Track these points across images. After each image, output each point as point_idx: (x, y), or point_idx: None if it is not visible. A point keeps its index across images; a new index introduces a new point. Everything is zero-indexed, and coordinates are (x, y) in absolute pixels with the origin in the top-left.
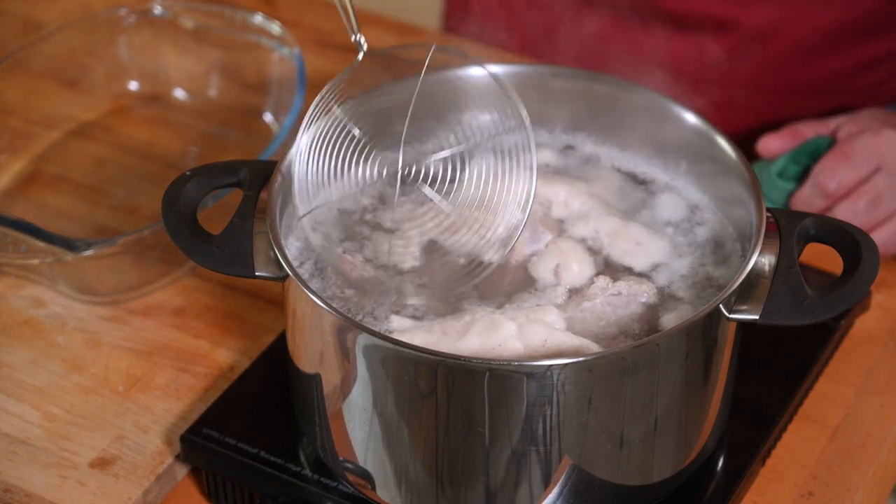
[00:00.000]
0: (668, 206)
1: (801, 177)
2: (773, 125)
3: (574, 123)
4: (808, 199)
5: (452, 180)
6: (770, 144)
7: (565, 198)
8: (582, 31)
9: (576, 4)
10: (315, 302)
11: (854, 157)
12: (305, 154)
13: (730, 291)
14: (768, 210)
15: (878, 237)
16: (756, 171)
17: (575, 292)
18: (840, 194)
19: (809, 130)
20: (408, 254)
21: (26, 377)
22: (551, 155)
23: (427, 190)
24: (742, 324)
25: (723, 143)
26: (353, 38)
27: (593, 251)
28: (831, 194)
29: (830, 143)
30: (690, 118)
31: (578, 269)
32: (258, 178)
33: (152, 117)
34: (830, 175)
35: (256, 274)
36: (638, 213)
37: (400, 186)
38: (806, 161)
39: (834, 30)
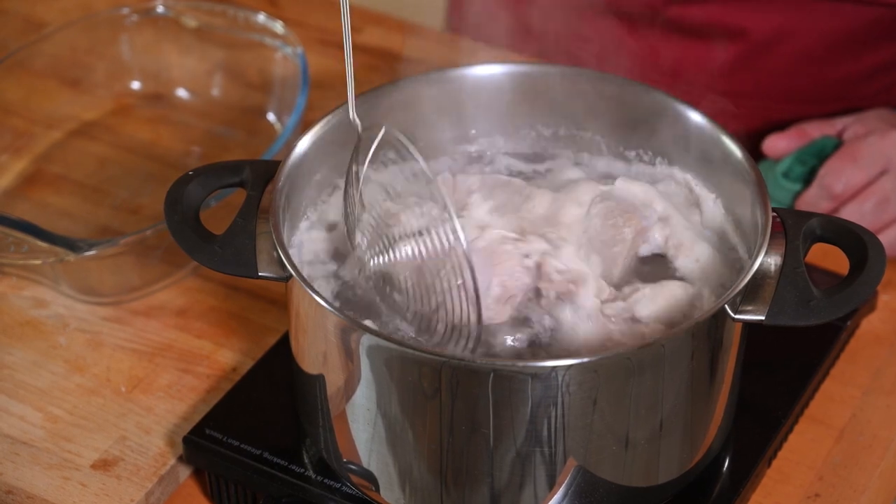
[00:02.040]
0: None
1: (807, 177)
2: (780, 129)
3: (579, 123)
4: (814, 200)
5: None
6: (776, 144)
7: (648, 197)
8: (586, 37)
9: (581, 10)
10: (318, 303)
11: (861, 159)
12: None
13: (735, 292)
14: (774, 210)
15: (885, 239)
16: (761, 171)
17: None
18: (846, 196)
19: (815, 130)
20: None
21: (28, 378)
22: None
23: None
24: (748, 324)
25: (728, 142)
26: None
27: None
28: (837, 196)
29: (837, 143)
30: (695, 117)
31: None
32: (261, 177)
33: (154, 117)
34: (837, 177)
35: (259, 274)
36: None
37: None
38: (812, 161)
39: (841, 37)
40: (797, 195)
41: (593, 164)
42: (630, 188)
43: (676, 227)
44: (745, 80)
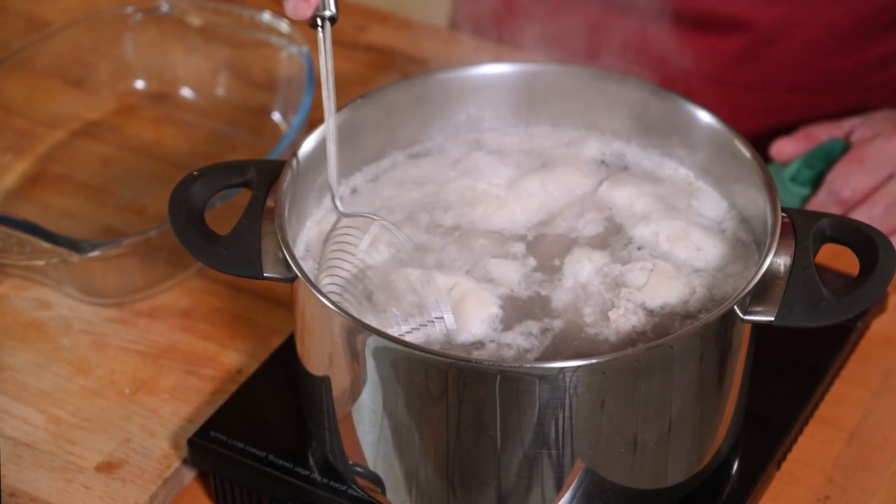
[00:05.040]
0: (707, 205)
1: (815, 181)
2: (786, 125)
3: (587, 122)
4: (822, 205)
5: None
6: (783, 148)
7: (630, 199)
8: (591, 30)
9: (585, 4)
10: (324, 304)
11: (868, 163)
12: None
13: (745, 293)
14: (784, 210)
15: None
16: None
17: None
18: (855, 200)
19: (823, 133)
20: None
21: (31, 380)
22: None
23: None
24: (757, 325)
25: (738, 142)
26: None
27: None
28: (846, 201)
29: (845, 146)
30: (705, 117)
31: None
32: (266, 178)
33: (159, 117)
34: (845, 181)
35: (265, 275)
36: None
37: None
38: (820, 165)
39: (846, 27)
40: (805, 199)
41: (615, 151)
42: (611, 193)
43: (663, 220)
44: (751, 71)
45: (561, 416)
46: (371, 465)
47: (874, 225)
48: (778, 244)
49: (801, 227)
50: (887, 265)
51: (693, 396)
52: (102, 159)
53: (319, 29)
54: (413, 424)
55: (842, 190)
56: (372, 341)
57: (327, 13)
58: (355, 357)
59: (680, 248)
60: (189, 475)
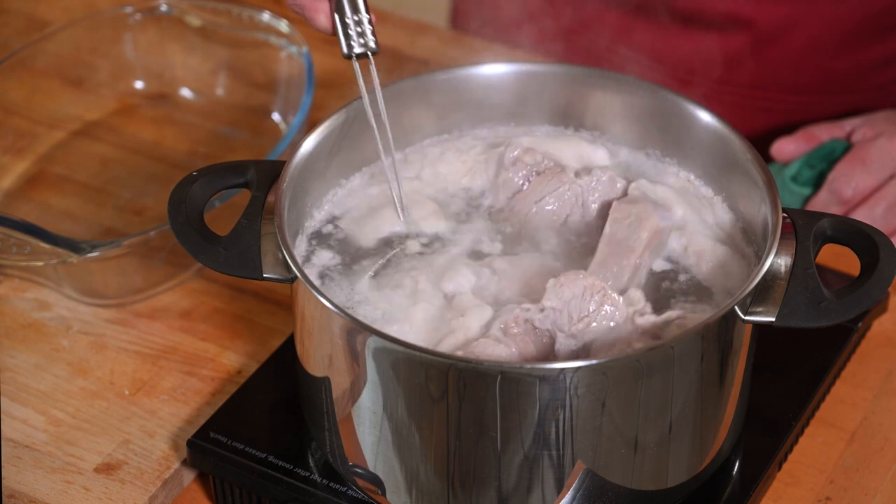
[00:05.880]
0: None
1: (816, 181)
2: (787, 125)
3: (587, 123)
4: (823, 205)
5: None
6: (784, 148)
7: (672, 204)
8: (592, 30)
9: (587, 2)
10: (324, 304)
11: (870, 163)
12: None
13: (745, 293)
14: (784, 210)
15: None
16: None
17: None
18: (856, 201)
19: (824, 133)
20: None
21: (31, 381)
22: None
23: None
24: (758, 326)
25: (738, 142)
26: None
27: (675, 269)
28: (847, 201)
29: (846, 146)
30: (706, 117)
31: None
32: (266, 178)
33: (158, 117)
34: (846, 181)
35: (264, 276)
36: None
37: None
38: (821, 165)
39: (848, 27)
40: (807, 199)
41: (616, 152)
42: (649, 191)
43: (694, 233)
44: (752, 71)
45: (561, 416)
46: (371, 467)
47: (875, 225)
48: (779, 244)
49: (801, 228)
50: (888, 265)
51: (694, 397)
52: (102, 160)
53: (356, 61)
54: (413, 425)
55: (843, 190)
56: (372, 342)
57: (357, 49)
58: (355, 358)
59: (704, 263)
60: (189, 476)
